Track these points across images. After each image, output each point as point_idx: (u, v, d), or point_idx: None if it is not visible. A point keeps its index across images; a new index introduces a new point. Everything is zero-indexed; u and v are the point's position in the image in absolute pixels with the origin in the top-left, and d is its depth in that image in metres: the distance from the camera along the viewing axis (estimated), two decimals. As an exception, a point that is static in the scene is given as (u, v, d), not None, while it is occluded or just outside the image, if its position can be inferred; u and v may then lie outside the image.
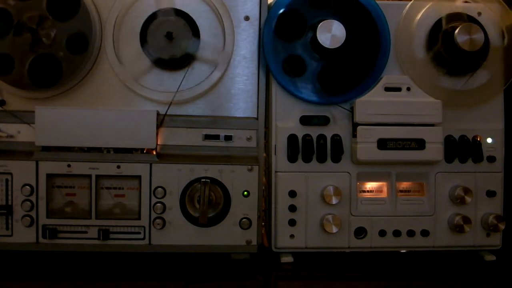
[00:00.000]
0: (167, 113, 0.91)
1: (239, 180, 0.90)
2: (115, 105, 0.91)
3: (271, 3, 0.94)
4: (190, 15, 0.90)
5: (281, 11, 0.90)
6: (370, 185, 0.94)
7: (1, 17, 0.85)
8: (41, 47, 0.87)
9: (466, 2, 0.95)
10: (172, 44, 0.89)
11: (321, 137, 0.92)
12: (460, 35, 0.88)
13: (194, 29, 0.90)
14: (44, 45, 0.86)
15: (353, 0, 0.90)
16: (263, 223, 0.97)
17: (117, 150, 0.89)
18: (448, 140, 0.94)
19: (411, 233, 0.93)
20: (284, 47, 0.90)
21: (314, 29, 0.87)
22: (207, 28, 0.92)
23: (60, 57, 0.87)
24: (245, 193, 0.90)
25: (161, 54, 0.89)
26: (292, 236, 0.92)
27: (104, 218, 0.88)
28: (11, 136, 0.90)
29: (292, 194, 0.91)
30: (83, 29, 0.88)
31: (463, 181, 0.94)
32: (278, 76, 0.91)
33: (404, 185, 0.95)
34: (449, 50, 0.91)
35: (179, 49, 0.89)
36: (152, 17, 0.89)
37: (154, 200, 0.89)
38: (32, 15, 0.86)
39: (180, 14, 0.90)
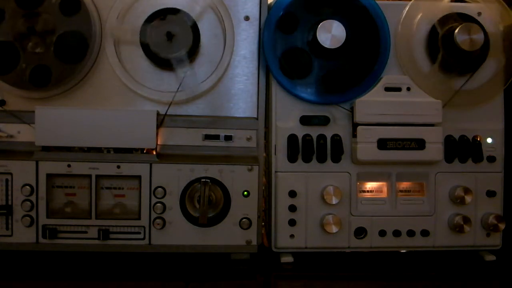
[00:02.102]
0: (167, 113, 0.91)
1: (239, 180, 0.90)
2: (115, 105, 0.91)
3: (271, 3, 0.94)
4: (190, 15, 0.90)
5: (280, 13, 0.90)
6: (370, 185, 0.94)
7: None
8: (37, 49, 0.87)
9: (466, 2, 0.95)
10: (172, 44, 0.89)
11: (321, 137, 0.92)
12: (460, 35, 0.88)
13: (194, 29, 0.90)
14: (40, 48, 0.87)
15: (353, 0, 0.90)
16: (263, 223, 0.97)
17: (117, 150, 0.89)
18: (448, 140, 0.94)
19: (411, 233, 0.93)
20: (284, 40, 0.90)
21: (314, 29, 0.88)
22: (207, 28, 0.92)
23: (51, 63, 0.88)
24: (245, 193, 0.90)
25: (161, 54, 0.89)
26: (292, 236, 0.92)
27: (104, 218, 0.88)
28: (11, 136, 0.90)
29: (292, 194, 0.91)
30: (83, 31, 0.88)
31: (463, 181, 0.94)
32: (278, 75, 0.91)
33: (404, 185, 0.95)
34: (449, 50, 0.91)
35: (180, 49, 0.89)
36: (152, 17, 0.89)
37: (154, 200, 0.89)
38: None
39: (170, 11, 0.89)
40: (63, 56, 0.87)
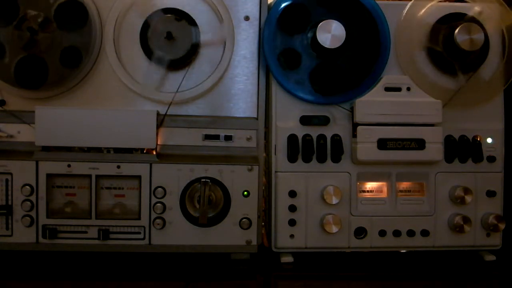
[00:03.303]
0: (167, 113, 0.91)
1: (239, 180, 0.90)
2: (115, 105, 0.91)
3: (271, 3, 0.94)
4: (190, 14, 0.90)
5: (286, 3, 0.89)
6: (370, 185, 0.94)
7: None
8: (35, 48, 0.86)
9: (466, 2, 0.95)
10: (172, 44, 0.89)
11: (321, 137, 0.92)
12: (460, 35, 0.88)
13: (193, 29, 0.90)
14: (37, 48, 0.86)
15: (353, 0, 0.90)
16: (263, 223, 0.97)
17: (117, 150, 0.89)
18: (448, 140, 0.94)
19: (411, 233, 0.93)
20: (284, 41, 0.90)
21: (315, 27, 0.88)
22: (207, 28, 0.91)
23: (49, 60, 0.87)
24: (245, 193, 0.90)
25: (168, 55, 0.89)
26: (292, 236, 0.92)
27: (104, 218, 0.88)
28: (11, 136, 0.90)
29: (292, 194, 0.91)
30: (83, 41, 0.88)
31: (463, 181, 0.94)
32: (277, 75, 0.91)
33: (404, 185, 0.95)
34: (449, 50, 0.91)
35: (180, 49, 0.89)
36: (152, 17, 0.89)
37: (154, 200, 0.89)
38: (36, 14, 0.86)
39: (180, 13, 0.89)
40: (72, 25, 0.87)
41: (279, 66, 0.90)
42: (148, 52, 0.89)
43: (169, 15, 0.89)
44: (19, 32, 0.85)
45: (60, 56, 0.87)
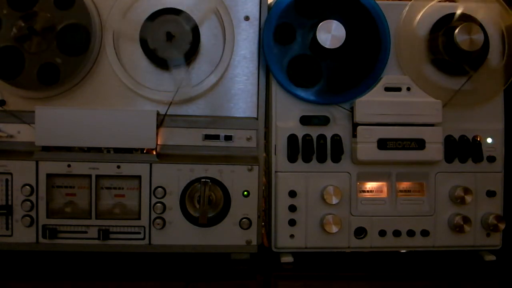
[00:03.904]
0: (167, 113, 0.91)
1: (239, 180, 0.90)
2: (115, 105, 0.91)
3: (271, 3, 0.94)
4: (190, 14, 0.90)
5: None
6: (370, 185, 0.94)
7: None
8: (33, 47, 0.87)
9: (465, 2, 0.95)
10: (172, 44, 0.89)
11: (321, 137, 0.92)
12: (460, 35, 0.88)
13: (194, 29, 0.90)
14: (26, 46, 0.86)
15: (353, 0, 0.90)
16: (263, 223, 0.97)
17: (117, 150, 0.89)
18: (448, 140, 0.94)
19: (411, 233, 0.93)
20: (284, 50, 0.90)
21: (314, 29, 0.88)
22: (207, 27, 0.92)
23: (55, 61, 0.87)
24: (245, 193, 0.90)
25: (161, 53, 0.89)
26: (292, 236, 0.92)
27: (104, 218, 0.89)
28: (11, 136, 0.90)
29: (292, 194, 0.91)
30: (82, 24, 0.88)
31: (463, 181, 0.94)
32: (277, 75, 0.91)
33: (404, 185, 0.95)
34: (449, 50, 0.91)
35: (180, 49, 0.89)
36: (152, 17, 0.89)
37: (154, 200, 0.89)
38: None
39: (180, 13, 0.89)
40: (68, 50, 0.87)
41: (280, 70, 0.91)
42: (148, 53, 0.89)
43: (175, 16, 0.89)
44: (20, 23, 0.85)
45: (39, 68, 0.87)
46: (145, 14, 0.89)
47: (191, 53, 0.90)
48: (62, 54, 0.87)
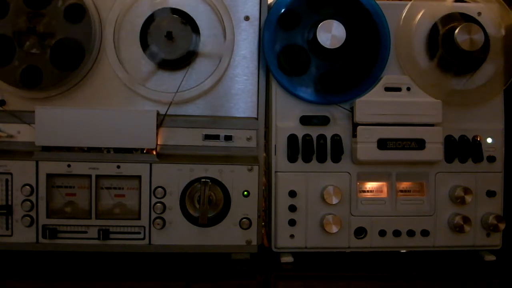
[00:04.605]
0: (167, 113, 0.91)
1: (239, 180, 0.90)
2: (115, 105, 0.91)
3: (271, 3, 0.94)
4: (190, 14, 0.90)
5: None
6: (370, 185, 0.94)
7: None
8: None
9: (466, 2, 0.95)
10: (172, 44, 0.89)
11: (321, 137, 0.92)
12: (460, 35, 0.88)
13: (194, 29, 0.90)
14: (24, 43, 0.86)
15: (353, 0, 0.90)
16: (263, 223, 0.97)
17: (117, 150, 0.89)
18: (448, 140, 0.94)
19: (411, 233, 0.93)
20: (284, 37, 0.90)
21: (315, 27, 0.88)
22: (207, 27, 0.92)
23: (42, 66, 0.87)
24: (245, 193, 0.90)
25: (161, 53, 0.89)
26: (292, 236, 0.92)
27: (104, 218, 0.89)
28: (11, 136, 0.90)
29: (292, 194, 0.91)
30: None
31: (463, 181, 0.94)
32: (277, 75, 0.91)
33: (404, 185, 0.95)
34: (449, 50, 0.91)
35: (179, 49, 0.89)
36: (152, 17, 0.89)
37: (154, 200, 0.89)
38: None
39: (180, 13, 0.90)
40: (58, 63, 0.87)
41: (279, 69, 0.91)
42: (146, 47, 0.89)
43: (175, 15, 0.89)
44: (24, 19, 0.85)
45: (22, 71, 0.86)
46: (144, 15, 0.89)
47: (187, 58, 0.90)
48: (51, 64, 0.87)
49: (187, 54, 0.90)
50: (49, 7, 0.86)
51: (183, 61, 0.90)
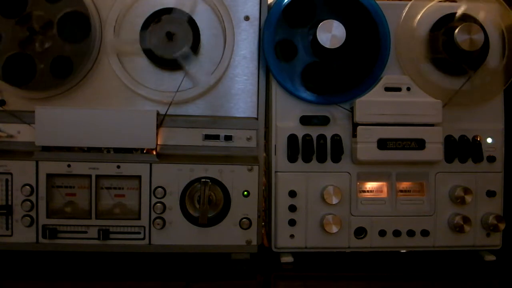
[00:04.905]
0: (167, 113, 0.91)
1: (239, 180, 0.90)
2: (115, 105, 0.91)
3: (271, 3, 0.94)
4: (190, 14, 0.90)
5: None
6: (370, 185, 0.94)
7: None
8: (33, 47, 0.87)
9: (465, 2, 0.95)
10: (172, 44, 0.89)
11: (321, 137, 0.92)
12: (460, 35, 0.88)
13: (194, 29, 0.90)
14: (32, 48, 0.86)
15: (353, 0, 0.90)
16: (263, 223, 0.97)
17: (117, 150, 0.89)
18: (448, 140, 0.94)
19: (411, 233, 0.93)
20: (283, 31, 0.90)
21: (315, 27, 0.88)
22: (207, 27, 0.92)
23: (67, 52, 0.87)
24: (245, 193, 0.90)
25: (161, 54, 0.89)
26: (292, 236, 0.92)
27: (104, 218, 0.89)
28: (11, 136, 0.90)
29: (292, 194, 0.91)
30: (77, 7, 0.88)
31: (463, 181, 0.94)
32: (277, 75, 0.91)
33: (404, 185, 0.95)
34: (449, 50, 0.91)
35: (179, 49, 0.89)
36: (152, 17, 0.89)
37: (154, 200, 0.89)
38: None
39: (180, 13, 0.89)
40: (72, 38, 0.87)
41: (278, 61, 0.91)
42: (149, 54, 0.89)
43: (175, 15, 0.89)
44: (20, 27, 0.85)
45: (51, 63, 0.87)
46: (144, 15, 0.89)
47: (194, 47, 0.89)
48: (68, 43, 0.87)
49: (191, 49, 0.89)
50: (30, 4, 0.86)
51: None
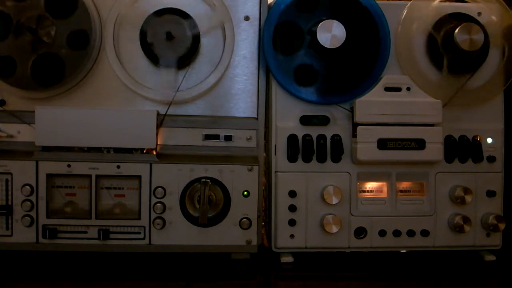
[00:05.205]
0: (167, 113, 0.91)
1: (239, 180, 0.90)
2: (115, 105, 0.91)
3: (271, 3, 0.94)
4: (190, 14, 0.90)
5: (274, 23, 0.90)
6: (370, 185, 0.94)
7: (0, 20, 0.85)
8: (43, 46, 0.87)
9: (466, 2, 0.95)
10: (172, 43, 0.89)
11: (321, 137, 0.92)
12: (460, 35, 0.88)
13: (195, 37, 0.89)
14: (45, 45, 0.86)
15: (353, 0, 0.90)
16: (263, 223, 0.97)
17: (117, 150, 0.89)
18: (448, 140, 0.94)
19: (411, 233, 0.93)
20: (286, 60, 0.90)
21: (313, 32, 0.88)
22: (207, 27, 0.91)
23: (62, 55, 0.87)
24: (245, 193, 0.90)
25: (161, 53, 0.89)
26: (292, 236, 0.92)
27: (104, 218, 0.89)
28: (11, 136, 0.90)
29: (292, 194, 0.91)
30: (83, 25, 0.88)
31: (463, 181, 0.94)
32: (277, 75, 0.91)
33: (404, 185, 0.95)
34: (449, 50, 0.91)
35: (179, 49, 0.89)
36: (152, 17, 0.89)
37: (154, 200, 0.89)
38: (31, 15, 0.86)
39: (180, 13, 0.89)
40: (65, 54, 0.87)
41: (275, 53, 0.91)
42: (148, 53, 0.89)
43: (175, 15, 0.89)
44: (21, 38, 0.85)
45: (67, 42, 0.87)
46: (153, 7, 0.89)
47: (186, 58, 0.90)
48: (67, 47, 0.87)
49: (190, 50, 0.89)
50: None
51: (187, 58, 0.90)
